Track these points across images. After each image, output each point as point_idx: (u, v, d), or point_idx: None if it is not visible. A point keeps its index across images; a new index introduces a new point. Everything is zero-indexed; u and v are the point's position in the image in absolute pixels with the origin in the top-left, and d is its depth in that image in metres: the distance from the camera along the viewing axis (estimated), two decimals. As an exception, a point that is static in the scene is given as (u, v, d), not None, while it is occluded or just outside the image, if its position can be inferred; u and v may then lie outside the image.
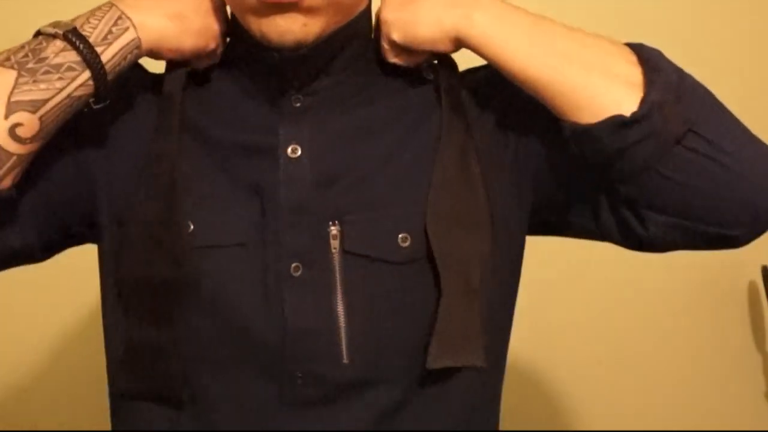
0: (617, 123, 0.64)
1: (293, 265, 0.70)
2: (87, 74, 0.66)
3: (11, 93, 0.64)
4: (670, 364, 1.47)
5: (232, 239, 0.70)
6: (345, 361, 0.70)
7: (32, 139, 0.65)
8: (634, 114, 0.63)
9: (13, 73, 0.64)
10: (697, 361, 1.48)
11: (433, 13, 0.70)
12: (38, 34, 0.68)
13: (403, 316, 0.71)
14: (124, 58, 0.68)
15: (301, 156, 0.71)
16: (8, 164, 0.65)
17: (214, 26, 0.73)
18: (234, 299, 0.70)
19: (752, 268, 1.44)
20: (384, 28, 0.72)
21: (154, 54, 0.71)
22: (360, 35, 0.74)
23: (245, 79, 0.74)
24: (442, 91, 0.74)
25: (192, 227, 0.70)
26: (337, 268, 0.70)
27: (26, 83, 0.64)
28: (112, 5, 0.69)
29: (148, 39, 0.69)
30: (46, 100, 0.65)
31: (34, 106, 0.64)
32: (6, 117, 0.63)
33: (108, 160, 0.74)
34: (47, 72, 0.65)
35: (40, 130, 0.65)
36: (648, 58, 0.67)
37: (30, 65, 0.65)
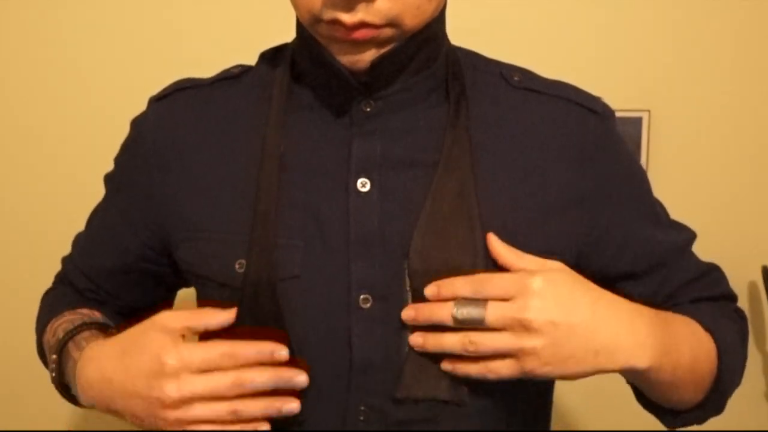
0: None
1: (362, 297, 0.69)
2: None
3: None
4: (670, 364, 1.47)
5: (287, 272, 0.69)
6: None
7: None
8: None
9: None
10: (697, 361, 1.47)
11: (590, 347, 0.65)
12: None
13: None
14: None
15: (371, 190, 0.70)
16: None
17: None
18: (296, 329, 0.69)
19: (752, 268, 1.45)
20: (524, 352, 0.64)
21: None
22: (432, 39, 0.71)
23: (314, 82, 0.73)
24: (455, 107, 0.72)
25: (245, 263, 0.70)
26: (410, 304, 0.68)
27: None
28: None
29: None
30: None
31: None
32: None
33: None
34: None
35: None
36: (719, 380, 0.78)
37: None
